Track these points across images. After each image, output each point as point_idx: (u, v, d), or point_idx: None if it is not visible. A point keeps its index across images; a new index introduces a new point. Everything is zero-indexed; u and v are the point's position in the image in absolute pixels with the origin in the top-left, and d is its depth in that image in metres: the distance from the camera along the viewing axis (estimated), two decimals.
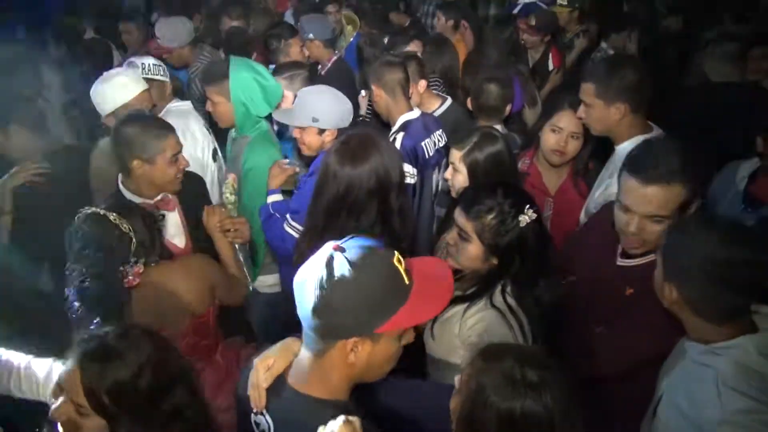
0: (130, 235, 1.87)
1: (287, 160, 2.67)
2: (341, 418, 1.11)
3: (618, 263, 1.90)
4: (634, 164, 1.69)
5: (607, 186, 2.19)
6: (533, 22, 4.21)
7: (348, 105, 2.54)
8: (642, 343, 1.73)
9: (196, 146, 2.95)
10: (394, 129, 2.78)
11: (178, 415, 1.34)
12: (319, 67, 4.17)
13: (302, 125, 2.48)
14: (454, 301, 1.85)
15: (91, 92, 2.71)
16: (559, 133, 2.45)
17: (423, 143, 2.74)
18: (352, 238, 1.23)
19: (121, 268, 1.85)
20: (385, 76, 2.75)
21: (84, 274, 1.82)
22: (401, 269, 1.16)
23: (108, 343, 1.32)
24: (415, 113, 2.81)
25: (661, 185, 1.63)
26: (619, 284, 1.83)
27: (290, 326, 1.94)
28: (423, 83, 3.07)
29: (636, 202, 1.68)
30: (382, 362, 1.22)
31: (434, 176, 2.82)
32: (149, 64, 2.99)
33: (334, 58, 4.12)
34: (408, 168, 2.62)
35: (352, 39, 4.82)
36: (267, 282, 2.85)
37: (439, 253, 2.21)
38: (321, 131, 2.46)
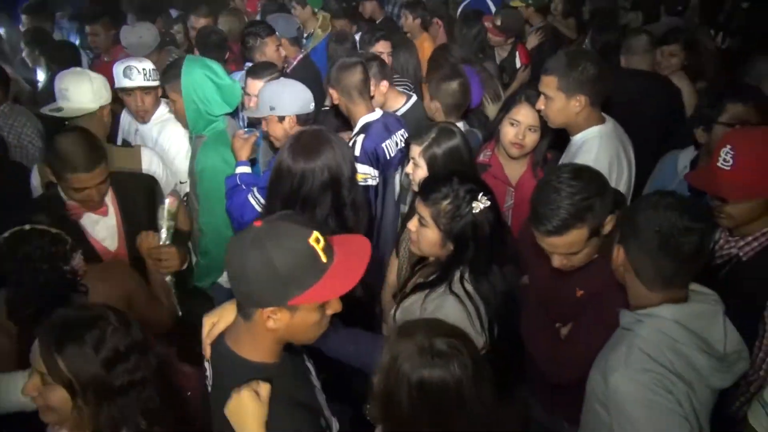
0: (61, 236, 1.86)
1: (245, 130, 2.68)
2: (250, 384, 1.26)
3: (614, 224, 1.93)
4: (534, 219, 1.74)
5: None
6: (498, 23, 4.27)
7: (305, 93, 2.56)
8: (599, 340, 1.73)
9: (179, 152, 2.98)
10: (354, 131, 2.78)
11: (137, 386, 1.39)
12: (285, 65, 4.18)
13: (262, 115, 2.53)
14: (416, 288, 1.92)
15: (60, 88, 2.70)
16: (517, 126, 2.49)
17: (384, 144, 2.74)
18: (279, 216, 1.32)
19: (67, 267, 1.84)
20: (341, 79, 2.75)
21: (34, 289, 1.77)
22: (317, 248, 1.23)
23: (66, 314, 1.40)
24: (375, 114, 2.81)
25: (558, 236, 1.69)
26: (570, 286, 1.88)
27: None
28: (385, 84, 3.07)
29: (549, 248, 1.76)
30: (304, 329, 1.31)
31: (397, 176, 2.82)
32: (149, 70, 2.95)
33: (300, 56, 4.13)
34: (369, 170, 2.66)
35: (321, 41, 4.83)
36: None
37: (403, 245, 2.26)
38: (281, 119, 2.50)
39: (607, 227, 1.74)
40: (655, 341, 1.45)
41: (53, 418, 1.39)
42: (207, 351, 1.44)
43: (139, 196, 2.42)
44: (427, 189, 1.86)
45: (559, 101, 2.29)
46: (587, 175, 1.73)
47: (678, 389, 1.42)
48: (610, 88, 2.33)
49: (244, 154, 2.56)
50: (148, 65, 2.98)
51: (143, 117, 3.06)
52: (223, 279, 2.81)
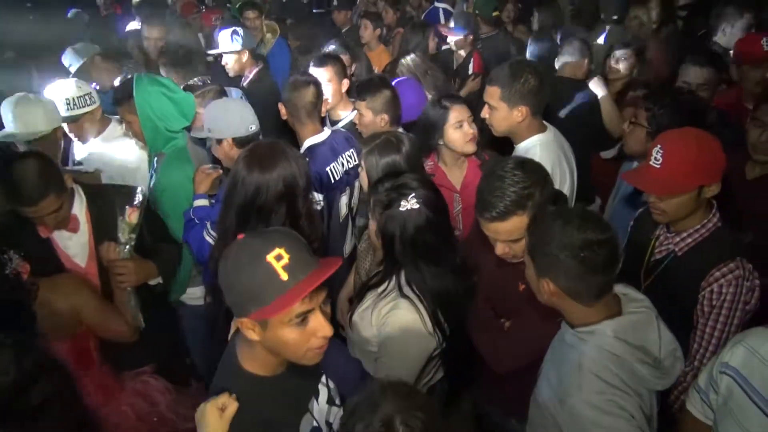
0: None
1: (210, 166, 2.65)
2: (219, 398, 1.30)
3: (508, 261, 2.01)
4: (479, 206, 1.84)
5: None
6: (452, 24, 4.36)
7: (245, 115, 2.52)
8: (539, 335, 1.83)
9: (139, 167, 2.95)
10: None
11: (47, 409, 1.38)
12: (242, 78, 4.18)
13: (201, 137, 2.57)
14: (366, 288, 1.98)
15: (12, 113, 2.66)
16: (461, 126, 2.53)
17: (328, 168, 2.73)
18: (257, 231, 1.34)
19: (7, 272, 1.87)
20: (291, 98, 2.75)
21: None
22: (276, 265, 1.22)
23: None
24: (321, 136, 2.79)
25: (501, 221, 1.79)
26: (512, 280, 1.95)
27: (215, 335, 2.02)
28: (345, 82, 3.11)
29: (491, 234, 1.86)
30: (284, 346, 1.29)
31: (343, 198, 2.80)
32: (72, 98, 2.91)
33: (256, 69, 4.12)
34: (313, 194, 2.63)
35: (271, 47, 4.85)
36: (195, 294, 2.80)
37: (368, 259, 2.33)
38: (218, 141, 2.51)
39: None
40: (601, 360, 1.52)
41: None
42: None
43: (114, 210, 2.32)
44: (378, 180, 1.98)
45: (502, 111, 2.36)
46: (530, 167, 1.83)
47: (629, 402, 1.50)
48: (548, 98, 2.41)
49: (203, 188, 2.54)
50: (71, 92, 2.93)
51: (82, 140, 3.05)
52: (186, 296, 2.81)
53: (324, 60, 3.21)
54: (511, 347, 1.90)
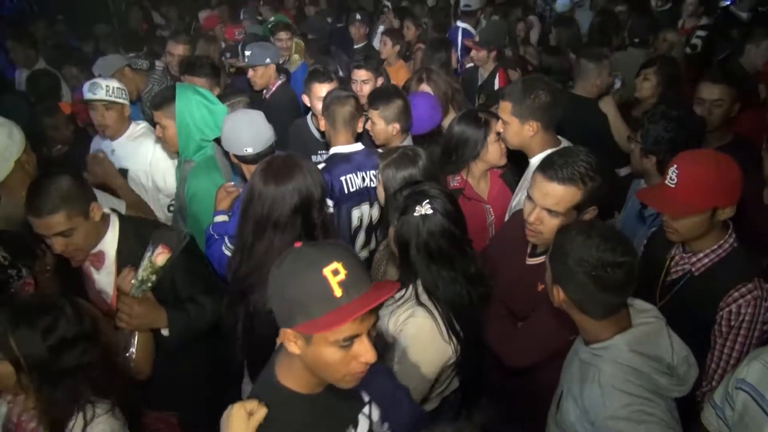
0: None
1: (232, 183, 2.70)
2: (249, 402, 1.30)
3: (527, 262, 2.07)
4: (545, 163, 1.94)
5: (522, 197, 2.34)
6: (477, 39, 4.40)
7: (264, 131, 2.55)
8: (552, 334, 1.87)
9: (156, 171, 3.06)
10: (323, 160, 2.88)
11: (83, 369, 1.58)
12: (264, 91, 4.28)
13: (226, 149, 2.62)
14: None
15: None
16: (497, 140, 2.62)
17: (343, 178, 2.76)
18: (318, 241, 1.36)
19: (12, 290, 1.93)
20: (330, 108, 2.83)
21: None
22: (332, 280, 1.18)
23: (25, 299, 1.63)
24: (350, 147, 2.84)
25: (559, 183, 1.88)
26: (531, 281, 1.99)
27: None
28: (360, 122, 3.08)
29: (538, 195, 1.92)
30: (324, 365, 1.25)
31: (356, 211, 2.82)
32: (113, 87, 3.08)
33: (279, 82, 4.20)
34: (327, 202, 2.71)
35: (296, 68, 4.95)
36: None
37: (381, 269, 2.37)
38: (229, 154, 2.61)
39: (587, 216, 1.91)
40: (620, 374, 1.54)
41: None
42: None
43: (135, 237, 2.18)
44: (399, 189, 2.04)
45: (514, 126, 2.41)
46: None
47: (657, 408, 1.51)
48: (561, 113, 2.44)
49: (225, 204, 2.59)
50: (114, 84, 3.12)
51: (104, 131, 3.18)
52: None
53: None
54: (523, 342, 1.95)
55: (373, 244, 2.90)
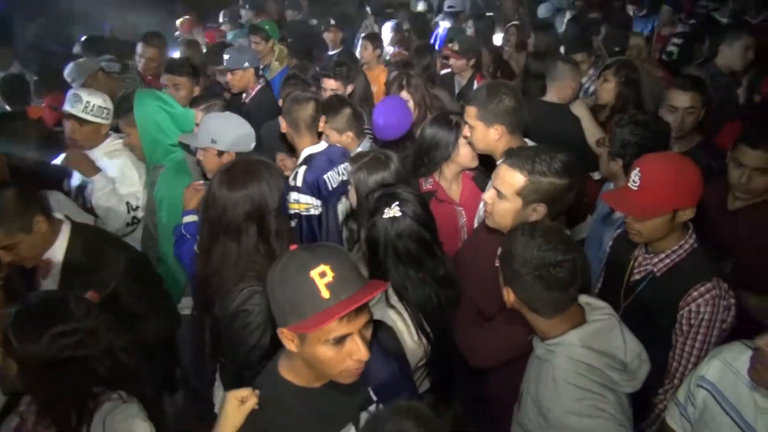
0: None
1: (201, 182, 2.69)
2: (241, 390, 1.37)
3: (497, 264, 2.07)
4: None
5: None
6: (456, 48, 4.43)
7: (247, 131, 2.63)
8: (518, 336, 1.88)
9: (132, 187, 3.01)
10: (298, 162, 2.90)
11: (80, 361, 1.60)
12: (244, 95, 4.28)
13: (202, 146, 2.58)
14: None
15: None
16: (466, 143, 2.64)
17: (326, 176, 2.84)
18: (313, 244, 1.38)
19: None
20: (292, 111, 2.87)
21: None
22: (319, 282, 1.23)
23: (30, 299, 1.67)
24: (319, 146, 2.92)
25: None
26: (500, 283, 2.00)
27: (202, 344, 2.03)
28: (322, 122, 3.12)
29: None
30: (319, 362, 1.29)
31: (339, 206, 2.91)
32: (94, 105, 2.98)
33: (258, 87, 4.22)
34: (311, 200, 2.78)
35: (276, 74, 4.96)
36: (189, 304, 2.84)
37: None
38: (220, 153, 2.57)
39: (533, 214, 1.95)
40: (573, 369, 1.58)
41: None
42: None
43: (98, 259, 2.19)
44: (371, 191, 2.09)
45: (480, 130, 2.44)
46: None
47: (608, 404, 1.55)
48: (527, 117, 2.48)
49: (194, 203, 2.58)
50: (97, 101, 3.01)
51: (72, 144, 3.09)
52: (181, 305, 2.84)
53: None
54: (488, 343, 1.98)
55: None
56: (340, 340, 1.26)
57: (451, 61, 4.56)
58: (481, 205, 2.43)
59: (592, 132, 3.42)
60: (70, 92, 3.04)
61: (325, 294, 1.22)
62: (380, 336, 1.57)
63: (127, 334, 1.75)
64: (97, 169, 2.93)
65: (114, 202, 2.93)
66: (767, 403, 1.39)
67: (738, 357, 1.50)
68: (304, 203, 2.75)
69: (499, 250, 1.68)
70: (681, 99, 2.90)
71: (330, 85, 3.76)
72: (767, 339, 1.28)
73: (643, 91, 3.57)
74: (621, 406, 1.57)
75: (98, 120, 3.01)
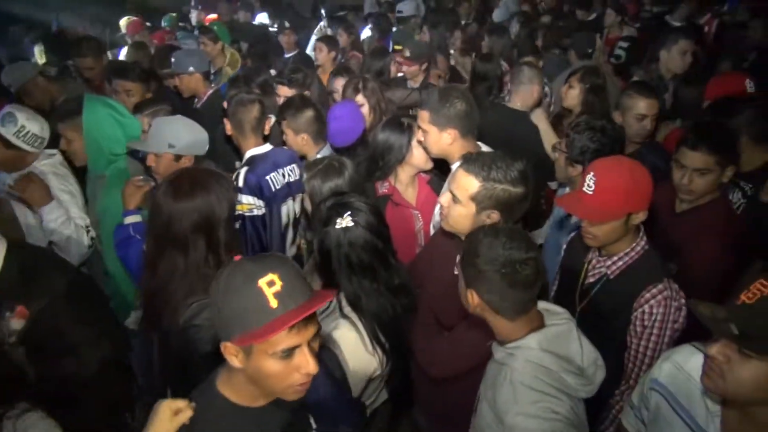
0: None
1: (141, 177, 2.61)
2: (177, 401, 1.29)
3: (456, 272, 2.06)
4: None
5: None
6: (407, 54, 4.43)
7: (202, 134, 2.60)
8: (478, 344, 1.86)
9: (69, 206, 2.79)
10: (242, 163, 2.88)
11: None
12: (195, 100, 4.17)
13: (158, 151, 2.50)
14: None
15: None
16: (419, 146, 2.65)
17: (268, 177, 2.81)
18: (258, 255, 1.30)
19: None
20: (236, 113, 2.84)
21: None
22: (267, 291, 1.18)
23: None
24: (263, 148, 2.89)
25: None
26: (458, 292, 1.97)
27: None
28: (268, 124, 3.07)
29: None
30: (266, 377, 1.24)
31: (284, 208, 2.90)
32: (29, 132, 2.70)
33: (210, 91, 4.12)
34: (253, 200, 2.74)
35: (227, 80, 4.85)
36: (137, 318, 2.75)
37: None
38: (177, 158, 2.51)
39: (487, 219, 1.94)
40: (530, 372, 1.58)
41: None
42: None
43: (28, 276, 2.05)
44: (322, 199, 2.06)
45: (433, 134, 2.44)
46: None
47: (563, 407, 1.55)
48: (479, 121, 2.48)
49: (134, 202, 2.48)
50: (33, 128, 2.72)
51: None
52: (130, 320, 2.75)
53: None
54: (447, 351, 1.96)
55: (298, 239, 2.97)
56: (288, 353, 1.21)
57: (404, 68, 4.54)
58: (437, 208, 2.42)
59: (550, 141, 3.41)
60: (6, 109, 2.76)
61: (273, 303, 1.18)
62: (323, 358, 1.54)
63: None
64: (49, 197, 2.70)
65: (72, 230, 2.72)
66: (717, 407, 1.41)
67: (689, 359, 1.52)
68: (246, 204, 2.72)
69: (458, 256, 1.67)
70: (650, 106, 2.98)
71: (285, 92, 3.71)
72: (718, 347, 1.29)
73: (610, 97, 3.62)
74: (575, 410, 1.58)
75: (27, 148, 2.74)
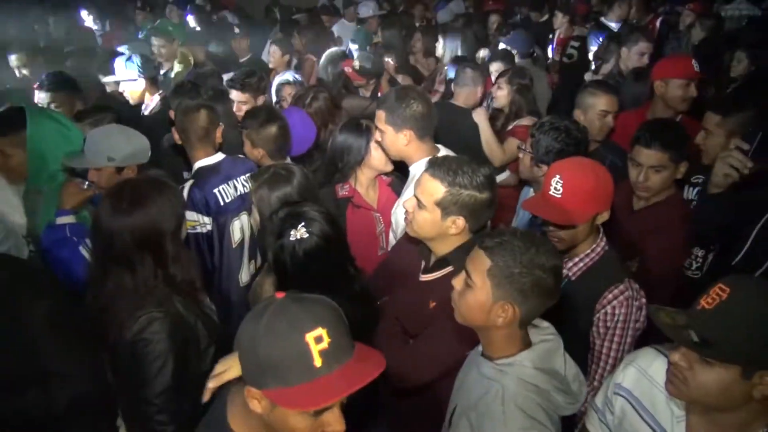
0: None
1: (80, 180, 2.49)
2: None
3: (420, 279, 2.02)
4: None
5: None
6: (356, 66, 4.35)
7: (142, 142, 2.50)
8: (446, 351, 1.84)
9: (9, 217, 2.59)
10: (189, 176, 2.76)
11: None
12: (143, 106, 4.00)
13: (97, 166, 2.39)
14: None
15: None
16: (378, 147, 2.61)
17: (216, 190, 2.68)
18: (303, 296, 1.19)
19: None
20: (182, 122, 2.71)
21: None
22: (314, 348, 1.10)
23: None
24: (212, 159, 2.75)
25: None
26: (424, 299, 1.95)
27: None
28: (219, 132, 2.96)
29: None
30: (287, 429, 1.16)
31: (237, 222, 2.75)
32: None
33: (158, 97, 3.96)
34: (196, 216, 2.61)
35: (183, 77, 4.68)
36: None
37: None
38: (119, 170, 2.41)
39: (452, 225, 1.88)
40: (523, 392, 1.50)
41: None
42: (207, 395, 1.34)
43: None
44: (274, 211, 1.98)
45: (390, 134, 2.41)
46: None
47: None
48: (436, 122, 2.45)
49: (71, 202, 2.37)
50: None
51: None
52: None
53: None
54: (417, 359, 1.90)
55: (259, 259, 2.82)
56: (320, 412, 1.13)
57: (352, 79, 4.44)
58: (400, 212, 2.38)
59: (488, 140, 3.47)
60: None
61: (318, 362, 1.10)
62: None
63: None
64: None
65: (11, 242, 2.51)
66: (682, 412, 1.41)
67: (651, 363, 1.50)
68: (190, 220, 2.57)
69: (488, 263, 1.49)
70: (611, 103, 3.00)
71: (238, 97, 3.60)
72: (679, 354, 1.28)
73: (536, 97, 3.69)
74: None
75: None
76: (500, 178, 3.43)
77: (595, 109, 3.01)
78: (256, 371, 1.13)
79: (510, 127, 3.55)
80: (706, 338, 1.21)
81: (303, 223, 1.83)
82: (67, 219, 2.33)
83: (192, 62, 5.07)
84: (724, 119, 2.51)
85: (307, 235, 1.82)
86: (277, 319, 1.12)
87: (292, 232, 1.82)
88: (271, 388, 1.11)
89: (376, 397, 2.09)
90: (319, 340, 1.10)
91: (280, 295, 1.18)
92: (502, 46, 4.97)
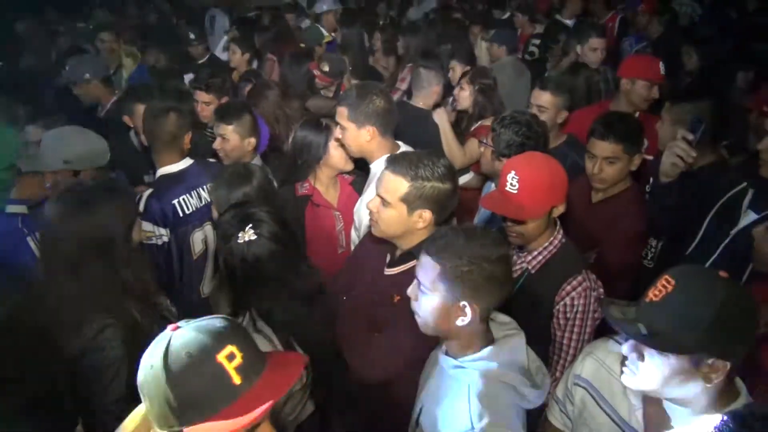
0: None
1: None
2: None
3: (385, 272, 2.02)
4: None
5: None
6: (325, 69, 4.33)
7: (100, 143, 2.45)
8: (410, 345, 1.83)
9: None
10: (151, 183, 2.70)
11: None
12: (99, 108, 3.90)
13: (53, 169, 2.33)
14: None
15: None
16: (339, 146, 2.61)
17: (176, 201, 2.57)
18: (197, 322, 1.12)
19: None
20: (148, 125, 2.62)
21: None
22: (228, 367, 1.05)
23: None
24: (176, 166, 2.63)
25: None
26: (388, 292, 1.95)
27: None
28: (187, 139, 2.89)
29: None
30: None
31: (199, 234, 2.67)
32: None
33: (114, 98, 3.86)
34: (151, 227, 2.51)
35: (132, 72, 4.59)
36: None
37: None
38: (76, 173, 2.36)
39: (419, 219, 1.88)
40: (490, 388, 1.48)
41: None
42: None
43: None
44: (222, 213, 1.97)
45: (351, 131, 2.39)
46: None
47: (516, 428, 1.50)
48: (398, 119, 2.46)
49: (26, 192, 2.30)
50: None
51: None
52: None
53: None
54: (382, 354, 1.89)
55: None
56: (251, 429, 1.09)
57: (317, 81, 4.33)
58: (364, 210, 2.37)
59: (448, 140, 3.45)
60: None
61: (237, 379, 1.05)
62: None
63: None
64: None
65: None
66: (639, 401, 1.43)
67: (609, 354, 1.52)
68: (147, 231, 2.47)
69: (438, 268, 1.48)
70: (546, 99, 3.01)
71: (202, 98, 3.52)
72: (629, 345, 1.31)
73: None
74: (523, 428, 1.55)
75: None
76: (463, 179, 3.40)
77: (533, 103, 3.06)
78: (175, 413, 1.06)
79: (473, 128, 3.53)
80: (653, 330, 1.24)
81: (250, 225, 1.79)
82: (16, 208, 2.25)
83: (138, 57, 4.94)
84: (671, 107, 2.57)
85: (255, 236, 1.78)
86: (181, 352, 1.06)
87: (240, 235, 1.78)
88: (196, 422, 1.05)
89: (341, 396, 2.07)
90: (231, 357, 1.06)
91: (173, 328, 1.12)
92: (486, 44, 4.98)
